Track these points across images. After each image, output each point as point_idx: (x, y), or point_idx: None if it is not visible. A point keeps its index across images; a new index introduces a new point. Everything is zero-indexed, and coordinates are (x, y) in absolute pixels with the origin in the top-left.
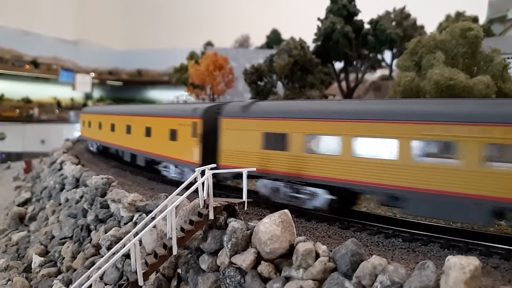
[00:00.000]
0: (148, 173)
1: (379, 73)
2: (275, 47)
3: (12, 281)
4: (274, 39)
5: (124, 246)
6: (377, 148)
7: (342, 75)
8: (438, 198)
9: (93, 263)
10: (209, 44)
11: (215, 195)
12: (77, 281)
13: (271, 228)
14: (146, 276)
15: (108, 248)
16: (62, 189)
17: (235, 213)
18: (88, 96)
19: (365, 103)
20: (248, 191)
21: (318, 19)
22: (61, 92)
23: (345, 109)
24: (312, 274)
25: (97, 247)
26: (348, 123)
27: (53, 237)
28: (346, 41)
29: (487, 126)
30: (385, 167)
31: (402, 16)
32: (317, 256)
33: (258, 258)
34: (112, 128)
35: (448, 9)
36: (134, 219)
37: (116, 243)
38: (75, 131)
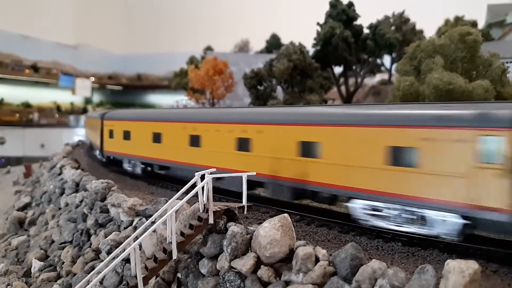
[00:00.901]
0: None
1: (378, 77)
2: (275, 52)
3: (12, 286)
4: (273, 43)
5: (124, 250)
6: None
7: (342, 80)
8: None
9: (93, 268)
10: (209, 48)
11: (214, 200)
12: (77, 285)
13: (271, 233)
14: (146, 280)
15: (108, 253)
16: (62, 193)
17: (234, 218)
18: (88, 101)
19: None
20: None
21: (318, 23)
22: (61, 97)
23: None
24: (312, 278)
25: (97, 251)
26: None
27: (52, 241)
28: (345, 46)
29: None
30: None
31: (401, 20)
32: (317, 260)
33: (258, 263)
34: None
35: (447, 13)
36: (134, 223)
37: (116, 247)
38: (75, 135)
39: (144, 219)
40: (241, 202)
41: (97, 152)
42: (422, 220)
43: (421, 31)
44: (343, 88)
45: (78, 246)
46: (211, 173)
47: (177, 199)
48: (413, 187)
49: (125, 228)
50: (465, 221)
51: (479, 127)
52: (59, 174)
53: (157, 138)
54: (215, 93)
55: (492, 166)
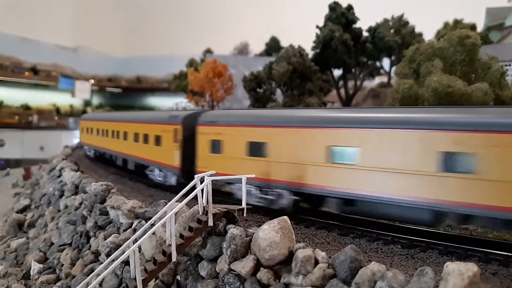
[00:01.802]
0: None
1: (377, 80)
2: (274, 55)
3: None
4: (273, 46)
5: (123, 252)
6: None
7: (341, 82)
8: None
9: (92, 270)
10: (208, 51)
11: (214, 202)
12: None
13: (271, 235)
14: (145, 283)
15: (107, 255)
16: (61, 195)
17: (234, 220)
18: (87, 103)
19: None
20: None
21: (317, 26)
22: (60, 99)
23: None
24: (311, 280)
25: (96, 254)
26: None
27: (52, 243)
28: (344, 49)
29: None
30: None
31: (400, 23)
32: (316, 262)
33: (258, 265)
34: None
35: (446, 16)
36: (133, 225)
37: (115, 249)
38: (75, 137)
39: (143, 221)
40: (241, 204)
41: (169, 176)
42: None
43: (420, 34)
44: (342, 91)
45: (77, 249)
46: (210, 175)
47: (176, 201)
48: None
49: (124, 230)
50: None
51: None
52: (59, 176)
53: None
54: (215, 95)
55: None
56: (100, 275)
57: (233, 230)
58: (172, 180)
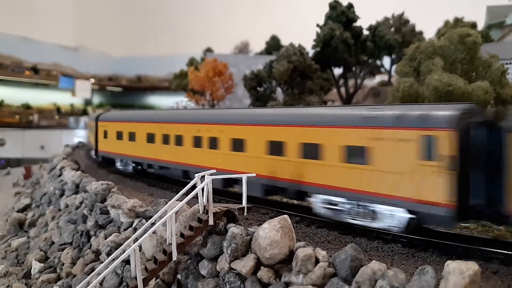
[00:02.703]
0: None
1: (378, 78)
2: (275, 53)
3: (12, 287)
4: (273, 45)
5: (124, 252)
6: None
7: (341, 81)
8: None
9: (92, 269)
10: (208, 50)
11: (214, 201)
12: (77, 287)
13: (271, 234)
14: (146, 282)
15: (108, 254)
16: (62, 195)
17: (234, 219)
18: (87, 102)
19: None
20: None
21: (317, 25)
22: (61, 98)
23: None
24: (312, 279)
25: (97, 253)
26: None
27: (52, 243)
28: (345, 47)
29: None
30: None
31: (400, 22)
32: (317, 261)
33: (258, 264)
34: None
35: (447, 15)
36: (134, 225)
37: (116, 249)
38: (75, 137)
39: (144, 220)
40: (241, 203)
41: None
42: None
43: (420, 33)
44: (343, 90)
45: (78, 248)
46: (211, 174)
47: (177, 200)
48: None
49: (125, 229)
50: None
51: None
52: (59, 176)
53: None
54: (215, 94)
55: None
56: (100, 274)
57: (233, 229)
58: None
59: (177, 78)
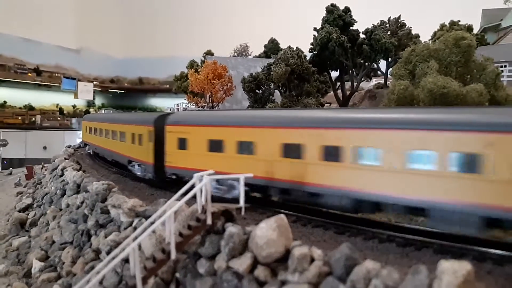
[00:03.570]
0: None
1: (374, 81)
2: (273, 56)
3: (12, 287)
4: (272, 48)
5: (124, 250)
6: None
7: (338, 84)
8: None
9: (93, 268)
10: (208, 53)
11: (213, 201)
12: (77, 285)
13: (268, 233)
14: (145, 280)
15: (108, 253)
16: (63, 195)
17: (232, 218)
18: (90, 104)
19: None
20: None
21: (315, 29)
22: (63, 100)
23: None
24: (307, 278)
25: (97, 252)
26: None
27: (53, 242)
28: (342, 51)
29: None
30: None
31: (397, 25)
32: (313, 260)
33: (255, 262)
34: None
35: (443, 18)
36: (134, 224)
37: (116, 248)
38: (77, 138)
39: (143, 219)
40: (239, 203)
41: None
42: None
43: (417, 36)
44: (339, 92)
45: (78, 247)
46: (209, 175)
47: (175, 200)
48: None
49: (125, 228)
50: None
51: None
52: (61, 176)
53: None
54: (215, 96)
55: None
56: (100, 272)
57: (231, 228)
58: None
59: (178, 80)
